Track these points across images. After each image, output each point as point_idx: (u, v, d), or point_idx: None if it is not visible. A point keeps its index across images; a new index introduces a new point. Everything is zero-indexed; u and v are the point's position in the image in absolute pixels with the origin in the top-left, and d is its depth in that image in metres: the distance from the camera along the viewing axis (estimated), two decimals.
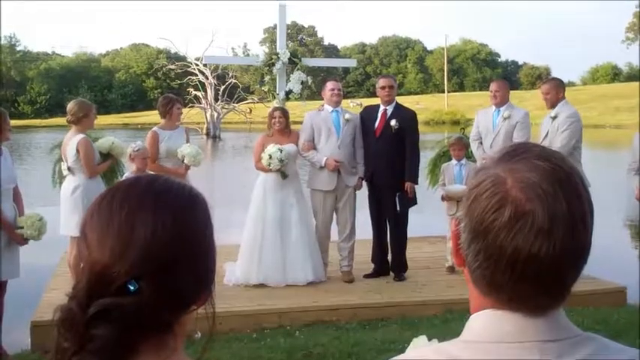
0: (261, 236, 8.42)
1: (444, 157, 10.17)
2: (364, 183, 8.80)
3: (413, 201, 8.66)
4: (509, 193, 1.15)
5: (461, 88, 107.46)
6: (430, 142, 12.30)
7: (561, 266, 1.15)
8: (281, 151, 8.27)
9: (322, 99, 9.02)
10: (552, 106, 8.41)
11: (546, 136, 8.34)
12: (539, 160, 1.18)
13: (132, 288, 1.18)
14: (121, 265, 1.19)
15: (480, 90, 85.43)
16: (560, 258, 1.14)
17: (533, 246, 1.13)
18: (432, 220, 11.37)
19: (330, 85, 8.80)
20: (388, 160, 8.49)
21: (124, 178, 7.85)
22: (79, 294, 1.20)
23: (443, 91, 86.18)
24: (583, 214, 1.17)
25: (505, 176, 1.17)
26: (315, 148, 8.64)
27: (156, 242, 1.22)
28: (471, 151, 9.17)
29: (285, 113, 8.66)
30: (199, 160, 8.32)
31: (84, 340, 1.17)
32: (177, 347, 1.27)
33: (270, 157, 8.24)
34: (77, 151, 7.67)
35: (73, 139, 7.73)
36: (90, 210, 1.29)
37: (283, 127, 8.56)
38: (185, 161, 8.19)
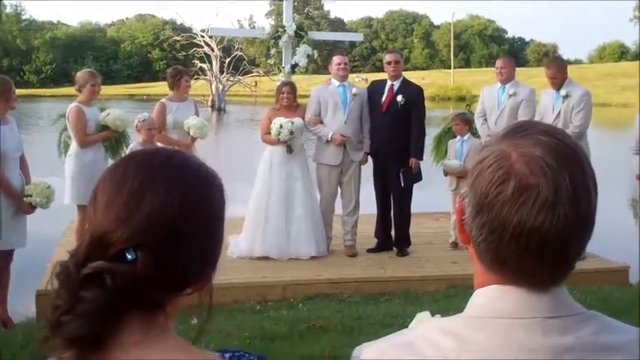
0: (266, 209, 8.45)
1: (448, 133, 10.14)
2: (369, 158, 8.81)
3: (417, 177, 8.66)
4: (513, 166, 1.16)
5: (467, 64, 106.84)
6: (436, 118, 12.28)
7: (565, 240, 1.16)
8: (292, 123, 8.27)
9: (328, 73, 9.00)
10: (559, 87, 8.40)
11: (558, 115, 8.32)
12: (543, 135, 1.19)
13: (129, 256, 1.17)
14: (122, 231, 1.18)
15: (487, 66, 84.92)
16: (563, 231, 1.14)
17: (536, 219, 1.13)
18: (436, 196, 11.37)
19: (336, 59, 8.77)
20: (394, 136, 8.48)
21: (129, 149, 7.91)
22: (78, 253, 1.20)
23: (449, 67, 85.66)
24: (587, 189, 1.18)
25: (509, 151, 1.18)
26: (321, 122, 8.63)
27: (162, 215, 1.20)
28: (476, 128, 9.15)
29: (293, 88, 8.65)
30: (205, 132, 8.35)
31: (74, 300, 1.16)
32: (168, 327, 1.24)
33: (281, 126, 8.24)
34: (68, 119, 7.80)
35: (68, 108, 7.84)
36: (105, 173, 1.29)
37: (291, 102, 8.57)
38: (191, 133, 8.22)
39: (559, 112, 8.35)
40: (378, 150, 8.64)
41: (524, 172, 1.15)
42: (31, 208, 6.65)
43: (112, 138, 8.15)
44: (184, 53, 57.95)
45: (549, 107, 8.50)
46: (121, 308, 1.17)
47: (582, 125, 8.22)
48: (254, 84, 52.67)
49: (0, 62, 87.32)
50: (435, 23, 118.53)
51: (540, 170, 1.14)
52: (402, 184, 8.53)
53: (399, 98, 8.51)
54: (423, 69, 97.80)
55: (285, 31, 9.84)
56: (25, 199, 6.58)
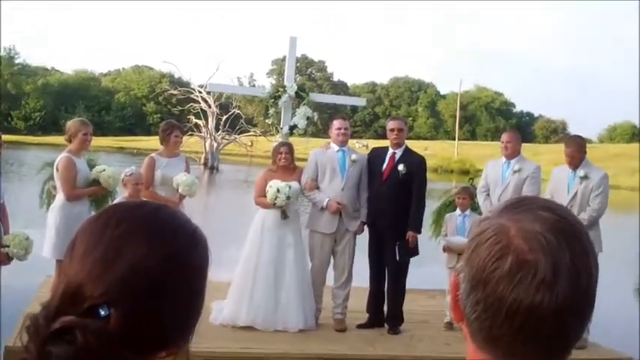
0: (254, 275, 8.37)
1: (449, 207, 10.16)
2: (365, 228, 8.79)
3: (414, 251, 8.61)
4: (511, 242, 1.15)
5: (472, 136, 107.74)
6: (437, 190, 12.29)
7: (563, 321, 1.14)
8: (290, 187, 8.28)
9: (327, 136, 9.05)
10: (577, 166, 8.46)
11: (574, 196, 8.36)
12: (544, 211, 1.19)
13: (102, 313, 1.15)
14: (96, 285, 1.16)
15: (492, 140, 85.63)
16: (562, 312, 1.13)
17: (534, 298, 1.12)
18: (433, 272, 11.32)
19: (337, 123, 8.82)
20: (393, 206, 8.47)
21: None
22: (50, 306, 1.18)
23: (453, 138, 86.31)
24: (587, 268, 1.17)
25: (508, 225, 1.17)
26: (317, 188, 8.65)
27: (141, 271, 1.18)
28: (478, 203, 9.16)
29: (291, 149, 8.68)
30: (194, 190, 8.34)
31: (42, 356, 1.14)
32: None
33: (279, 190, 8.24)
34: (57, 169, 7.82)
35: (58, 158, 7.87)
36: (85, 222, 1.27)
37: (289, 163, 8.59)
38: (179, 190, 8.21)
39: (575, 193, 8.39)
40: (375, 220, 8.63)
41: (523, 247, 1.14)
42: (8, 259, 6.61)
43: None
44: (180, 108, 58.52)
45: (564, 187, 8.52)
46: None
47: (600, 210, 8.30)
48: (250, 144, 52.94)
49: None
50: (442, 92, 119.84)
51: (539, 246, 1.14)
52: (398, 258, 8.50)
53: (401, 167, 8.54)
54: (426, 139, 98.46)
55: (285, 91, 9.93)
56: (2, 249, 6.54)
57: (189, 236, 1.28)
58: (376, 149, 9.18)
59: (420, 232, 8.69)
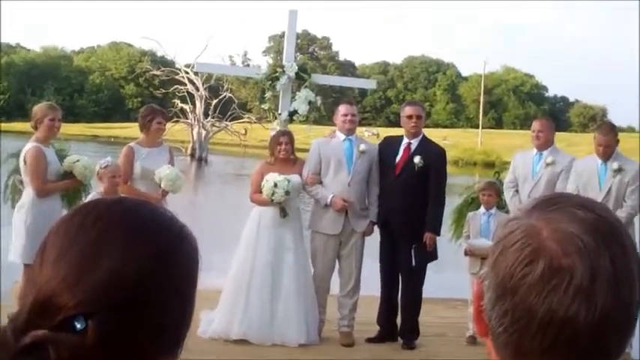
0: (249, 281, 8.36)
1: (472, 204, 10.13)
2: (376, 228, 8.79)
3: (432, 255, 8.61)
4: (543, 244, 1.15)
5: (498, 124, 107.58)
6: (458, 186, 12.26)
7: (603, 335, 1.14)
8: (288, 181, 8.27)
9: (332, 124, 9.02)
10: (608, 158, 8.46)
11: (609, 192, 8.35)
12: (580, 209, 1.18)
13: (78, 326, 1.14)
14: (71, 295, 1.15)
15: (521, 128, 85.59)
16: (601, 325, 1.12)
17: (569, 308, 1.12)
18: (453, 279, 11.33)
19: (343, 109, 8.79)
20: (407, 204, 8.45)
21: (88, 199, 7.90)
22: (19, 318, 1.17)
23: (476, 127, 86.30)
24: (630, 274, 1.16)
25: (540, 226, 1.17)
26: (320, 182, 8.65)
27: (121, 277, 1.18)
28: (505, 200, 9.15)
29: (291, 138, 8.64)
30: (179, 185, 8.30)
31: None
32: None
33: (276, 185, 8.23)
34: (25, 162, 7.79)
35: (24, 148, 7.85)
36: (58, 222, 1.26)
37: (289, 154, 8.59)
38: (162, 185, 8.18)
39: (609, 188, 8.38)
40: (386, 220, 8.62)
41: (557, 251, 1.14)
42: None
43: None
44: (163, 90, 58.58)
45: (594, 181, 8.50)
46: None
47: (638, 206, 8.30)
48: (243, 132, 52.93)
49: None
50: (463, 74, 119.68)
51: (575, 250, 1.13)
52: (414, 263, 8.48)
53: (417, 160, 8.51)
54: (445, 127, 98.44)
55: (284, 71, 9.88)
56: None
57: (174, 235, 1.27)
58: (389, 138, 9.17)
59: (438, 234, 8.67)
